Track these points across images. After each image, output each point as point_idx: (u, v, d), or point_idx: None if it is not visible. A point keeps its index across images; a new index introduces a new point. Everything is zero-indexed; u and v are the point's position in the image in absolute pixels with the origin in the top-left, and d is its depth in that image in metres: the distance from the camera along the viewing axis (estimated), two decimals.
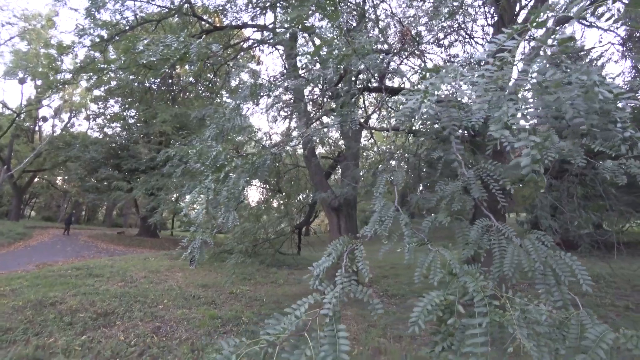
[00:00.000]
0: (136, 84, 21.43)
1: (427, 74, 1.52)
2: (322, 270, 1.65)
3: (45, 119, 31.44)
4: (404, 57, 7.77)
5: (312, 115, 7.36)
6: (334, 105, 6.17)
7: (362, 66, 3.54)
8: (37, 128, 32.23)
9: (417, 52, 7.95)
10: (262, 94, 4.70)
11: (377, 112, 7.68)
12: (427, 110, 1.21)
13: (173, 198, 17.05)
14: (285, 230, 10.40)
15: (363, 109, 9.62)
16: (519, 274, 1.64)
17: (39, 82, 25.70)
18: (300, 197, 13.30)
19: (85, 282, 6.85)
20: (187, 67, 20.52)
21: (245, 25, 11.16)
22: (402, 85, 8.46)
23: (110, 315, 5.01)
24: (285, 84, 6.04)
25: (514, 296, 1.38)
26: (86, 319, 4.71)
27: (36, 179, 34.75)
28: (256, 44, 12.95)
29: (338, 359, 1.13)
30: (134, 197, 21.89)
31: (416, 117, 2.61)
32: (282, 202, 12.52)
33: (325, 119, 7.79)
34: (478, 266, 1.59)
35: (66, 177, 37.58)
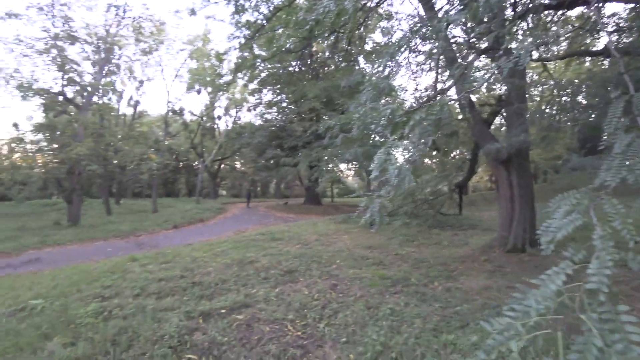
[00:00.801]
0: (281, 70, 23.54)
1: None
2: (562, 234, 1.22)
3: (219, 117, 37.97)
4: None
5: (462, 59, 6.38)
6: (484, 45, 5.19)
7: None
8: (215, 126, 39.23)
9: None
10: (403, 48, 4.22)
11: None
12: None
13: (329, 168, 18.26)
14: (442, 190, 9.74)
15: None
16: None
17: (209, 89, 31.07)
18: (456, 153, 12.24)
19: (271, 245, 8.01)
20: (321, 42, 21.17)
21: None
22: None
23: (294, 272, 5.66)
24: (427, 30, 5.34)
25: None
26: (276, 275, 5.44)
27: (222, 166, 42.82)
28: None
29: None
30: (297, 171, 24.41)
31: None
32: (437, 160, 11.75)
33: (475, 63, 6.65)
34: None
35: (242, 161, 45.10)
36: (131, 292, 4.83)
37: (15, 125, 16.40)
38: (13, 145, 16.68)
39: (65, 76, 16.08)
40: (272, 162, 26.56)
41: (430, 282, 5.13)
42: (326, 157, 16.78)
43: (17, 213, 21.72)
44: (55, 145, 15.91)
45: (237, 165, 48.52)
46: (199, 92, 30.80)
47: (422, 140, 2.65)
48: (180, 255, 7.30)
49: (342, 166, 25.33)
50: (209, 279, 5.31)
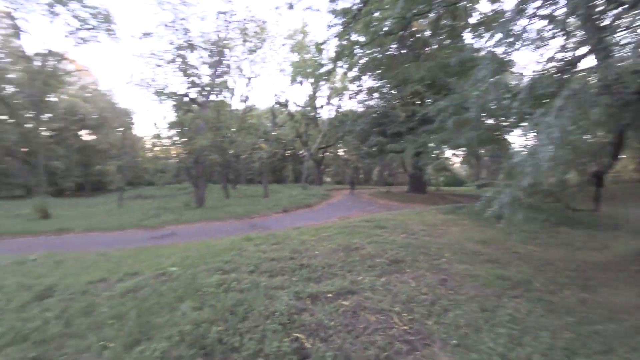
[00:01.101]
0: (380, 55, 22.87)
1: None
2: None
3: (321, 107, 39.05)
4: None
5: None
6: None
7: None
8: (318, 115, 40.52)
9: None
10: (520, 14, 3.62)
11: None
12: None
13: (436, 154, 17.25)
14: (571, 180, 8.23)
15: None
16: None
17: (311, 80, 32.11)
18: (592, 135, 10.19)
19: (375, 233, 7.92)
20: (422, 21, 19.82)
21: None
22: None
23: (400, 263, 5.49)
24: None
25: None
26: (382, 264, 5.36)
27: (326, 153, 44.20)
28: None
29: None
30: (402, 158, 23.76)
31: None
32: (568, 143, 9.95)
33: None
34: None
35: (345, 148, 45.90)
36: (246, 268, 5.25)
37: (155, 124, 19.88)
38: (154, 140, 20.24)
39: (189, 80, 18.49)
40: (375, 149, 26.29)
41: (558, 290, 4.43)
42: (433, 143, 15.82)
43: (159, 195, 26.24)
44: (184, 139, 18.48)
45: (341, 152, 49.57)
46: (301, 83, 31.99)
47: (578, 114, 2.19)
48: (289, 237, 7.65)
49: (449, 153, 23.56)
50: (316, 262, 5.50)
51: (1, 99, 15.70)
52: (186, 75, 18.21)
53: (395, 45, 22.23)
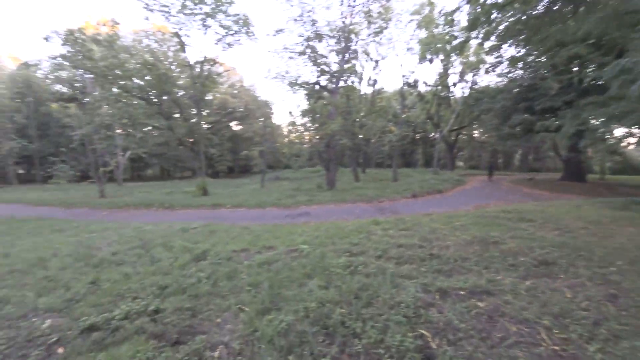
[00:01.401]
0: (524, 17, 19.31)
1: None
2: None
3: (454, 85, 35.88)
4: None
5: None
6: None
7: None
8: (451, 94, 37.48)
9: None
10: None
11: None
12: None
13: (603, 132, 13.91)
14: None
15: None
16: None
17: (441, 57, 29.70)
18: None
19: (519, 226, 6.87)
20: None
21: None
22: None
23: (552, 265, 4.59)
24: None
25: None
26: (527, 264, 4.58)
27: (460, 135, 40.88)
28: None
29: None
30: (553, 138, 20.13)
31: None
32: None
33: None
34: None
35: (481, 130, 41.58)
36: (374, 252, 5.18)
37: (290, 112, 21.89)
38: (290, 127, 22.24)
39: (318, 68, 19.33)
40: (518, 129, 22.99)
41: None
42: (600, 119, 12.73)
43: (294, 177, 28.83)
44: (316, 125, 19.69)
45: (476, 134, 45.32)
46: (430, 61, 30.18)
47: None
48: (418, 224, 7.38)
49: (620, 131, 18.50)
50: (448, 253, 5.07)
51: (174, 100, 19.79)
52: (316, 64, 19.12)
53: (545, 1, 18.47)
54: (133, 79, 18.44)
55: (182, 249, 5.96)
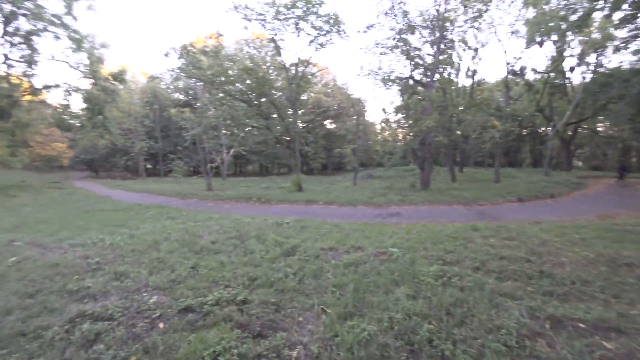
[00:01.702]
0: None
1: None
2: None
3: (571, 70, 31.00)
4: None
5: None
6: None
7: None
8: (567, 81, 32.52)
9: None
10: None
11: None
12: None
13: None
14: None
15: None
16: None
17: (554, 37, 25.75)
18: None
19: None
20: None
21: None
22: None
23: None
24: None
25: None
26: None
27: (579, 130, 35.33)
28: None
29: None
30: None
31: None
32: None
33: None
34: None
35: (608, 122, 35.36)
36: (471, 263, 4.79)
37: (383, 109, 21.61)
38: (383, 125, 21.84)
39: (412, 62, 18.52)
40: None
41: None
42: None
43: (386, 176, 28.26)
44: (410, 121, 18.99)
45: (600, 128, 38.69)
46: (540, 44, 26.35)
47: None
48: (525, 233, 6.64)
49: None
50: (563, 272, 4.35)
51: (272, 102, 21.32)
52: (409, 57, 18.38)
53: None
54: (236, 83, 20.21)
55: (274, 242, 6.23)
